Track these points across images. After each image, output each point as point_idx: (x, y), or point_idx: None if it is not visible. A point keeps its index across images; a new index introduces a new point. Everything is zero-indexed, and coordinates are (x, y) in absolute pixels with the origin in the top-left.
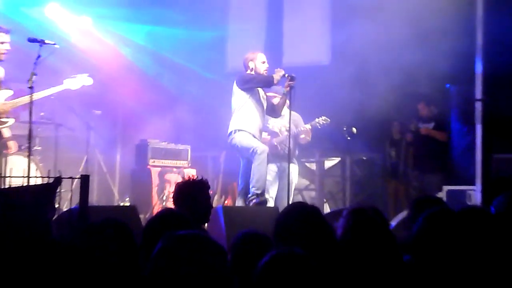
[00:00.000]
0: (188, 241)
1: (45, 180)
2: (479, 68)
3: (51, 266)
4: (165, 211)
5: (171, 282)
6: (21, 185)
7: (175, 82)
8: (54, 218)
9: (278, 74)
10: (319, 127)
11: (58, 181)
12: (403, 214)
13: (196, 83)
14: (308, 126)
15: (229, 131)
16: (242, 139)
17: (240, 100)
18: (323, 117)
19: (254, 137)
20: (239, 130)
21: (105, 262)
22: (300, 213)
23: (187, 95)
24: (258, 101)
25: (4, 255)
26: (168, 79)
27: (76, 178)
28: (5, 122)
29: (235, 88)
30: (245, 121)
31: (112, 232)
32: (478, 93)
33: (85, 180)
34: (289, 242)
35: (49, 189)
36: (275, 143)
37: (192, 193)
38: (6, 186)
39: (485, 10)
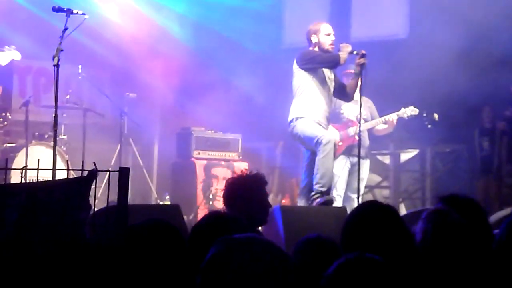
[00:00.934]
0: (246, 246)
1: (76, 174)
2: None
3: (88, 274)
4: (215, 214)
5: None
6: (48, 179)
7: (223, 60)
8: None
9: (345, 52)
10: (406, 118)
11: (93, 174)
12: (499, 215)
13: (248, 61)
14: (394, 117)
15: (289, 119)
16: (305, 128)
17: (302, 81)
18: (411, 107)
19: (319, 124)
20: (301, 117)
21: (154, 272)
22: (373, 214)
23: (237, 75)
24: (324, 82)
25: (32, 263)
26: (214, 56)
27: (113, 171)
28: None
29: (296, 68)
30: (308, 106)
31: (161, 236)
32: None
33: (124, 174)
34: (359, 248)
35: (83, 185)
36: (352, 133)
37: (246, 190)
38: (30, 181)
39: None
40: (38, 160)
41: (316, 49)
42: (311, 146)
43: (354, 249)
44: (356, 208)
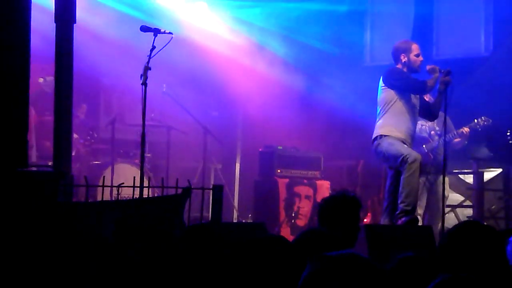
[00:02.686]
0: (345, 263)
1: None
2: None
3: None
4: (313, 231)
5: None
6: (143, 197)
7: (305, 78)
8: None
9: (433, 79)
10: (479, 129)
11: (187, 192)
12: None
13: (330, 80)
14: (466, 129)
15: (374, 136)
16: (389, 146)
17: (388, 99)
18: (483, 117)
19: (404, 143)
20: (386, 136)
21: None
22: (475, 235)
23: (319, 93)
24: (409, 101)
25: (130, 278)
26: (296, 74)
27: (207, 189)
28: None
29: (382, 85)
30: (393, 124)
31: (281, 252)
32: None
33: (218, 191)
34: (456, 267)
35: (177, 202)
36: (426, 150)
37: (343, 211)
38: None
39: None
40: (134, 177)
41: (404, 69)
42: (396, 164)
43: (452, 268)
44: (456, 227)
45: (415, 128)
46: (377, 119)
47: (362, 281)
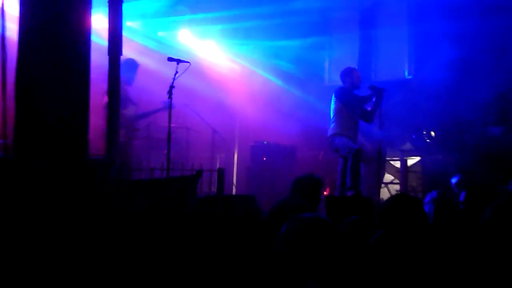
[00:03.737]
0: (311, 222)
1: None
2: None
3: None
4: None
5: (298, 256)
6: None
7: (283, 92)
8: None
9: (369, 96)
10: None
11: (199, 173)
12: None
13: (301, 97)
14: None
15: (328, 134)
16: (339, 141)
17: (338, 108)
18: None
19: (349, 139)
20: (338, 133)
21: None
22: (404, 203)
23: (293, 104)
24: (352, 109)
25: (159, 245)
26: (276, 89)
27: (213, 170)
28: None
29: (334, 99)
30: (342, 126)
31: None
32: None
33: (221, 173)
34: (389, 227)
35: (191, 181)
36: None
37: (310, 186)
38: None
39: None
40: (162, 164)
41: (350, 86)
42: (344, 154)
43: (386, 227)
44: (391, 198)
45: (358, 128)
46: (331, 122)
47: (324, 236)
